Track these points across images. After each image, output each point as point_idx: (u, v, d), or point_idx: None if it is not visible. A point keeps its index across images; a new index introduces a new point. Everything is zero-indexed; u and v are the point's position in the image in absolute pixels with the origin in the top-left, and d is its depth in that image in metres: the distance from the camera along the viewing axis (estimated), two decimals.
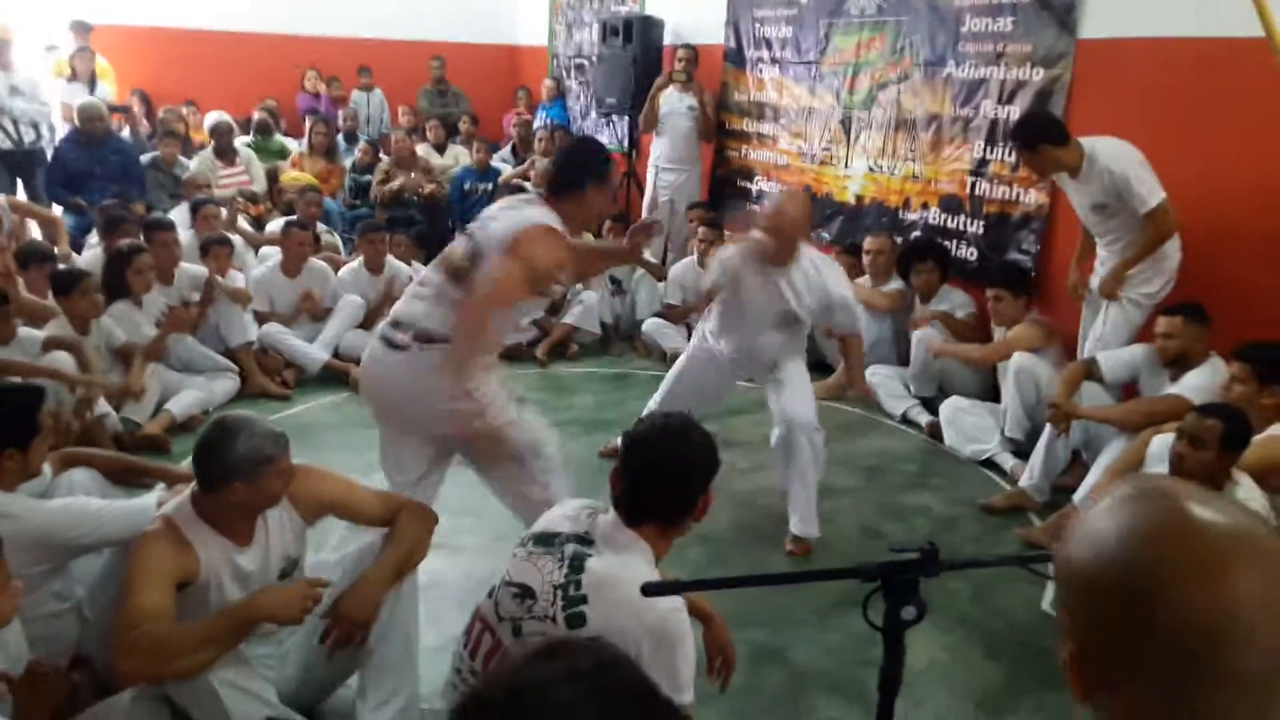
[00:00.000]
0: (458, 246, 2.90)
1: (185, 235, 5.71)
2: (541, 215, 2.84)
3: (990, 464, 4.50)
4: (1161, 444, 3.35)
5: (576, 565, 1.89)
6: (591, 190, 2.95)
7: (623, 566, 1.86)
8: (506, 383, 2.97)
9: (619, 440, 2.07)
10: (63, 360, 4.02)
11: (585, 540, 1.95)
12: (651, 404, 4.18)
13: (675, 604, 1.85)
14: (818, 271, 3.68)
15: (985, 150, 5.19)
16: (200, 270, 5.15)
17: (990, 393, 4.82)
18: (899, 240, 5.59)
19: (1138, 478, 0.86)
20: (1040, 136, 4.04)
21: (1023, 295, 4.66)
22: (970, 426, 4.59)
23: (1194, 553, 0.73)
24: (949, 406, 4.71)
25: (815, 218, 6.36)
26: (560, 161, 3.23)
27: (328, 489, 2.46)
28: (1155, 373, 3.91)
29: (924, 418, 4.94)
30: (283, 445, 2.25)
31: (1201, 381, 3.63)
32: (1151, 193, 3.89)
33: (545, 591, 1.89)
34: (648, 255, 6.52)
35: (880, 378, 5.18)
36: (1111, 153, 3.95)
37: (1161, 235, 3.95)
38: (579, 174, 2.95)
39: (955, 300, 5.11)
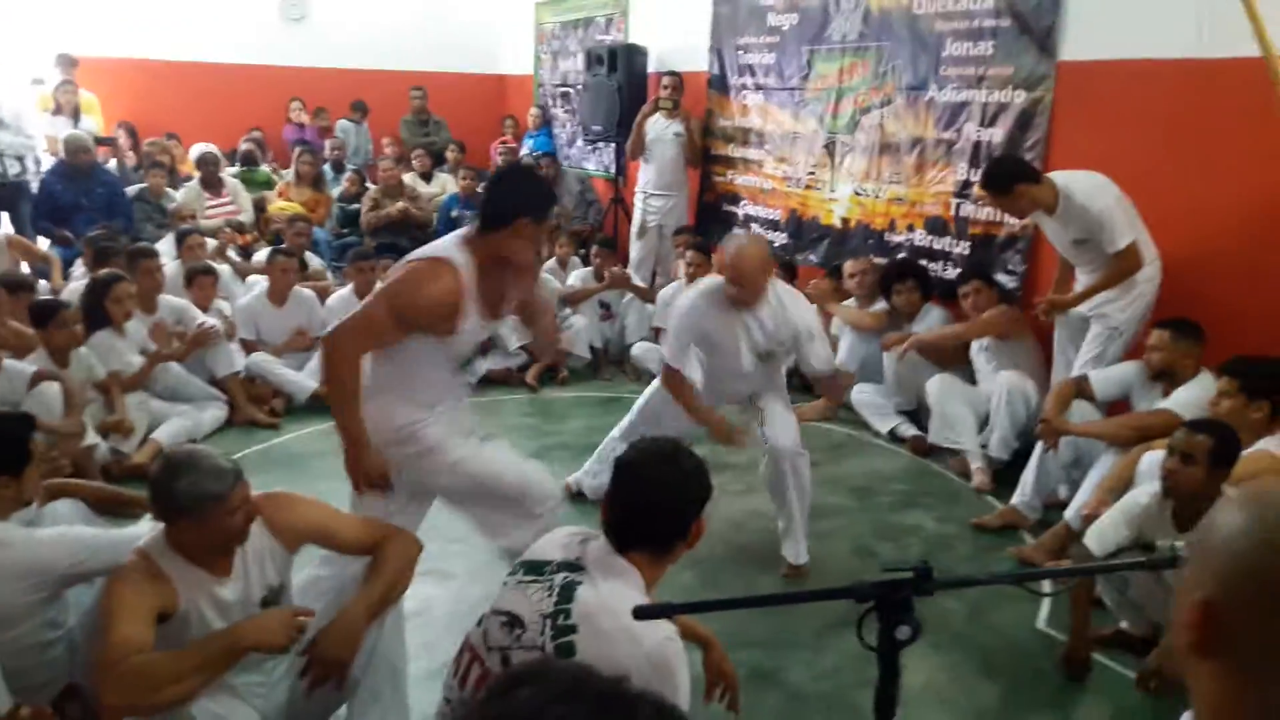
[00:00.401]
0: None
1: (171, 265, 5.70)
2: (439, 250, 2.68)
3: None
4: (1151, 460, 3.36)
5: (566, 594, 1.86)
6: (521, 225, 2.65)
7: (613, 595, 1.82)
8: (465, 419, 2.89)
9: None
10: (51, 393, 3.99)
11: (576, 567, 1.91)
12: (617, 429, 4.18)
13: (668, 632, 1.81)
14: (783, 306, 3.66)
15: (969, 172, 5.23)
16: (182, 303, 5.12)
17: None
18: (883, 261, 5.63)
19: None
20: (1015, 177, 4.09)
21: (996, 289, 4.81)
22: (954, 417, 4.65)
23: None
24: (935, 382, 4.73)
25: (802, 241, 6.41)
26: (488, 192, 2.84)
27: (309, 517, 2.39)
28: (1147, 389, 3.93)
29: (910, 432, 5.00)
30: (230, 482, 2.14)
31: (1192, 396, 3.64)
32: (1122, 235, 3.95)
33: (534, 621, 1.85)
34: (636, 280, 6.54)
35: (866, 396, 5.24)
36: (1087, 190, 4.00)
37: (1125, 272, 4.03)
38: (508, 207, 2.66)
39: (936, 318, 5.14)
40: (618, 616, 1.73)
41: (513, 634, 1.87)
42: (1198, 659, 0.85)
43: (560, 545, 2.00)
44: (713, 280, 3.79)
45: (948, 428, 4.65)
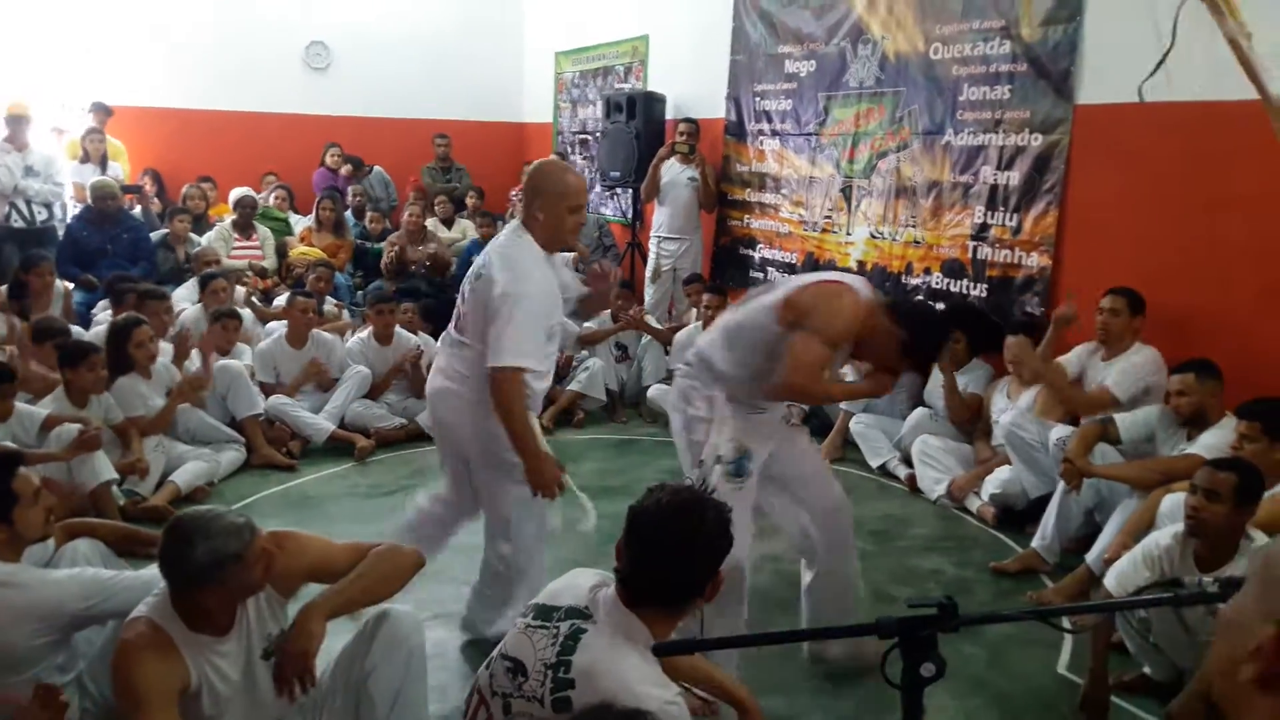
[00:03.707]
0: None
1: (193, 310, 5.77)
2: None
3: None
4: (1173, 503, 3.32)
5: (569, 645, 1.81)
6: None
7: (615, 655, 1.76)
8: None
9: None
10: (68, 434, 4.01)
11: (584, 615, 1.86)
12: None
13: (670, 696, 1.73)
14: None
15: (986, 215, 5.24)
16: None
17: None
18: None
19: None
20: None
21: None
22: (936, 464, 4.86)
23: None
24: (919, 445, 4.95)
25: None
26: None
27: (305, 556, 2.31)
28: (1171, 432, 3.90)
29: (902, 470, 5.05)
30: (246, 538, 2.08)
31: (1218, 441, 3.59)
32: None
33: (536, 670, 1.81)
34: (653, 322, 6.56)
35: (863, 427, 5.29)
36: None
37: None
38: None
39: (981, 376, 5.06)
40: (616, 679, 1.69)
41: (515, 681, 1.83)
42: (1261, 694, 0.81)
43: (572, 590, 1.96)
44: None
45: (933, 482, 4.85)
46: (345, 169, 9.08)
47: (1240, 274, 4.11)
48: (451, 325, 3.14)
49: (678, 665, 2.01)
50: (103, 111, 8.13)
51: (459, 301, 3.13)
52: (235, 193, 7.93)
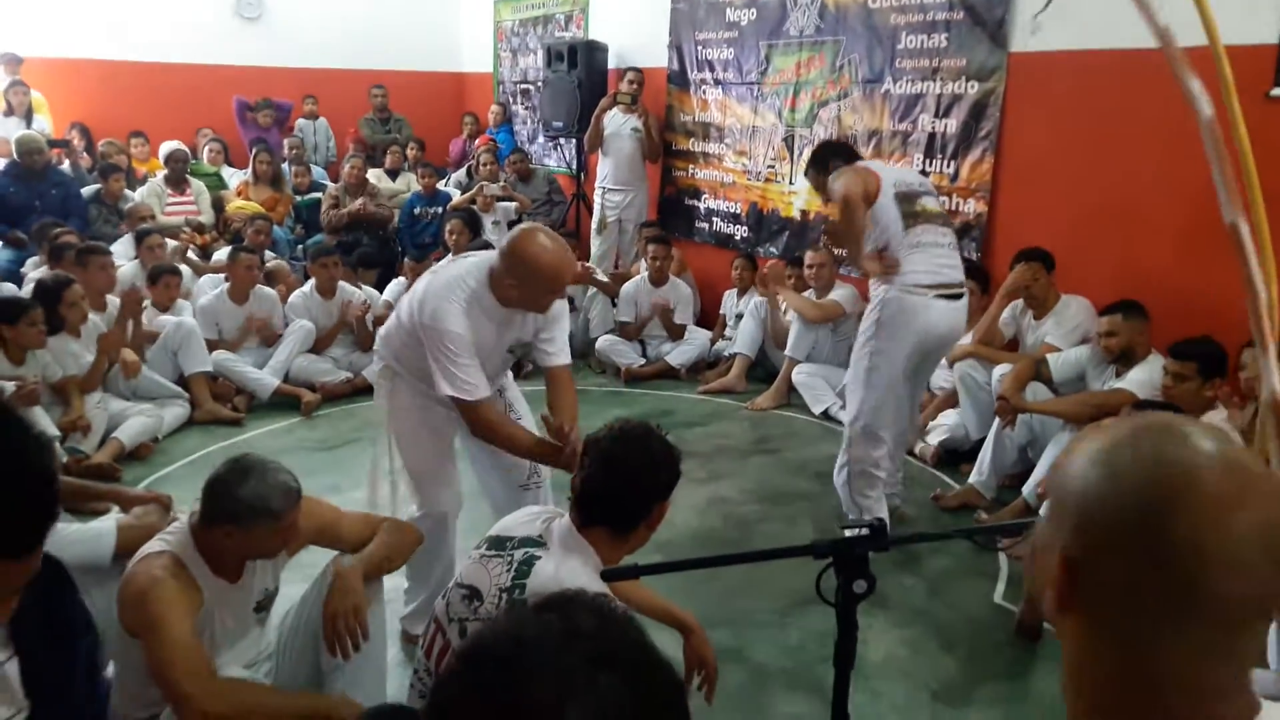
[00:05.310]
0: None
1: (129, 266, 5.66)
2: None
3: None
4: None
5: (523, 570, 1.90)
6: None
7: (569, 573, 1.86)
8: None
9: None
10: (5, 390, 3.93)
11: (537, 543, 1.96)
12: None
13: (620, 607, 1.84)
14: None
15: (925, 162, 5.32)
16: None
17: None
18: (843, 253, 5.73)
19: (1151, 413, 0.87)
20: None
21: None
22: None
23: (1206, 486, 0.77)
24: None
25: (762, 234, 6.48)
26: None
27: (315, 516, 2.38)
28: (1101, 370, 4.06)
29: (844, 414, 5.10)
30: (291, 502, 2.15)
31: (1145, 376, 3.77)
32: None
33: (491, 594, 1.90)
34: (600, 274, 6.58)
35: (804, 376, 5.47)
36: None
37: None
38: None
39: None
40: (569, 586, 1.76)
41: (471, 606, 1.91)
42: (1061, 616, 0.84)
43: (524, 522, 2.06)
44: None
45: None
46: (264, 115, 8.91)
47: (1165, 219, 4.25)
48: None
49: (623, 592, 2.10)
50: (13, 61, 7.83)
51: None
52: (165, 147, 7.69)
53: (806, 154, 6.02)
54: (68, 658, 1.89)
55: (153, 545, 2.17)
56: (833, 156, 3.85)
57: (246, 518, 2.10)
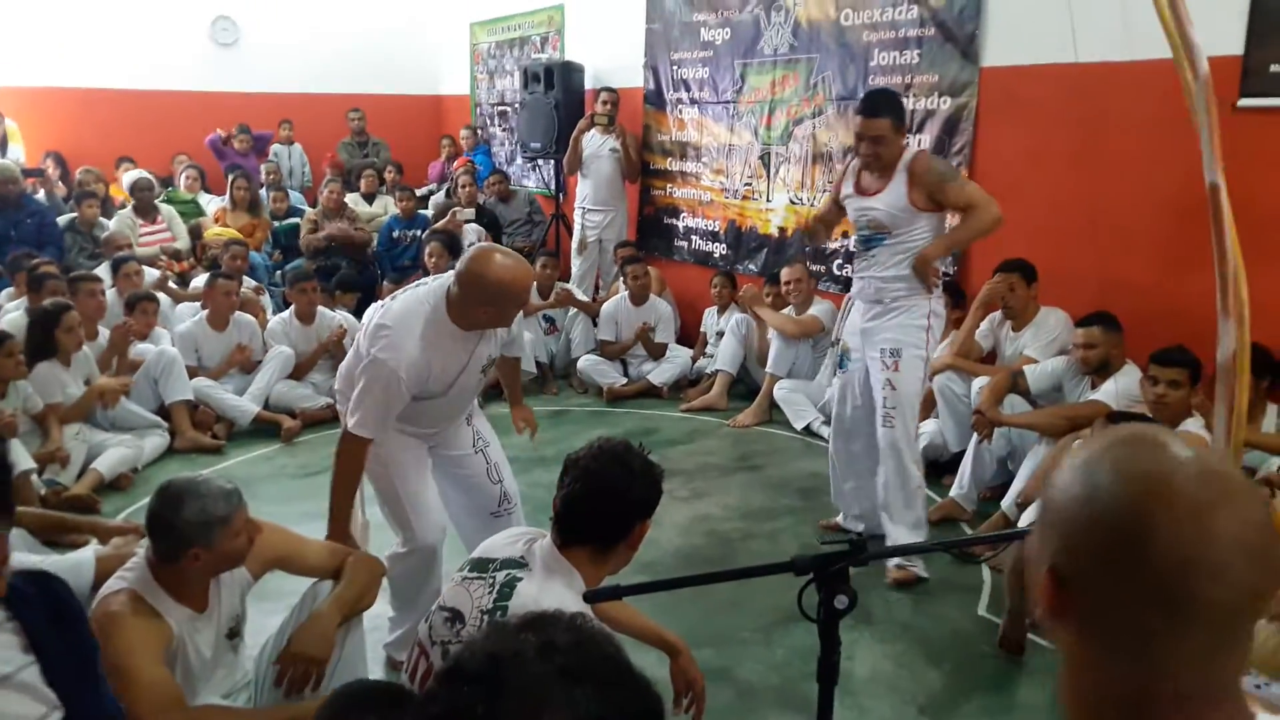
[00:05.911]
0: None
1: (108, 295, 5.62)
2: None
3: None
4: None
5: (505, 591, 1.89)
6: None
7: (551, 596, 1.84)
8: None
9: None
10: None
11: (519, 564, 1.95)
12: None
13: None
14: None
15: None
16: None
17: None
18: (821, 269, 5.78)
19: (1125, 425, 0.89)
20: None
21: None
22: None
23: (1183, 494, 0.79)
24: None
25: (740, 251, 6.51)
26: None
27: (276, 543, 2.40)
28: (1077, 382, 4.09)
29: (826, 430, 5.12)
30: (235, 502, 2.15)
31: (1120, 387, 3.80)
32: None
33: (474, 616, 1.89)
34: (579, 294, 6.59)
35: (785, 392, 5.48)
36: None
37: None
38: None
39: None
40: (551, 605, 1.76)
41: (453, 628, 1.91)
42: (1052, 626, 0.86)
43: (507, 544, 2.05)
44: None
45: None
46: (241, 140, 8.90)
47: (1138, 231, 4.30)
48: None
49: (607, 614, 2.10)
50: None
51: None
52: (128, 177, 7.58)
53: (783, 171, 6.11)
54: (85, 656, 1.87)
55: (111, 584, 2.15)
56: (900, 110, 3.69)
57: (204, 536, 2.10)
